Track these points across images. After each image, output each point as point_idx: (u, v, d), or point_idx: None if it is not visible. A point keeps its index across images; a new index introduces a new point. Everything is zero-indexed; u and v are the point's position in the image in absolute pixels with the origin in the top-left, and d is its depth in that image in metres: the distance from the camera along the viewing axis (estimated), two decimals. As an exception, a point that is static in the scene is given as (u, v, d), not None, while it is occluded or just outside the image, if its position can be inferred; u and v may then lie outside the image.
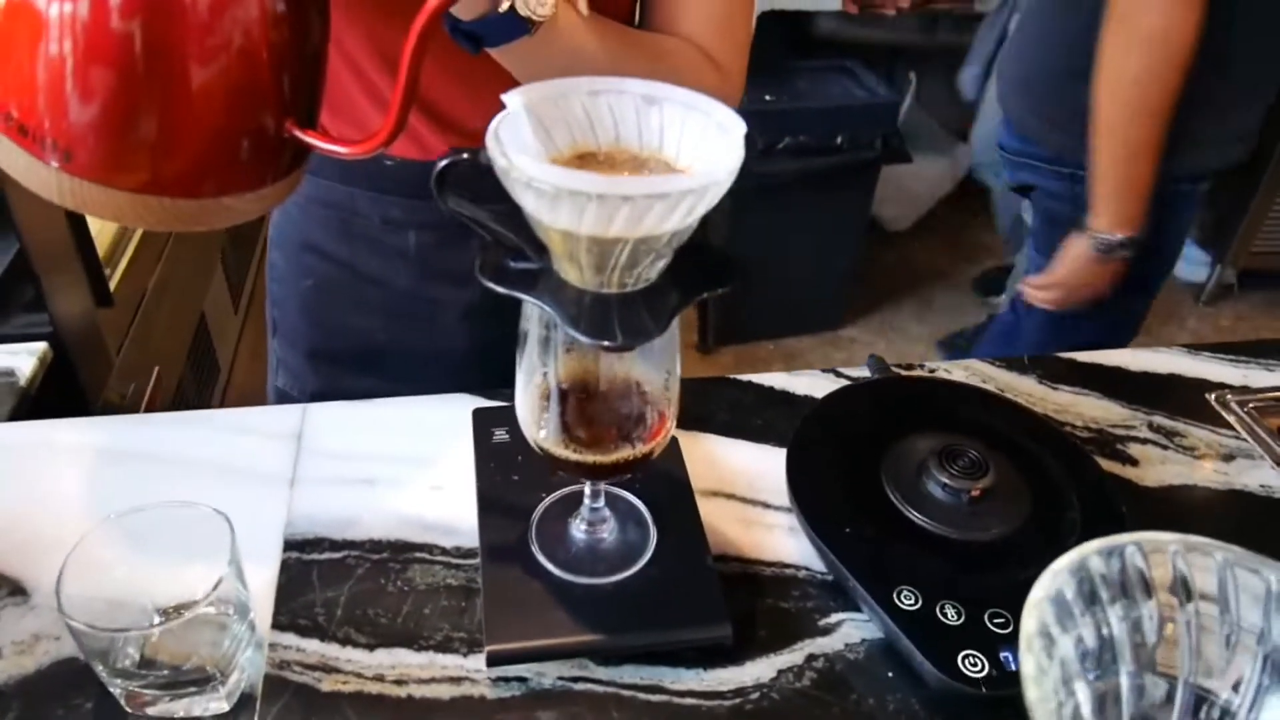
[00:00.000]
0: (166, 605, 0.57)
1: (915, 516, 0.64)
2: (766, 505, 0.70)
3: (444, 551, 0.65)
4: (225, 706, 0.55)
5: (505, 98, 0.46)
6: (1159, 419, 0.81)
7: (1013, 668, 0.56)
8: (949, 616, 0.58)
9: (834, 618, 0.63)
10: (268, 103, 0.52)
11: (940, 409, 0.75)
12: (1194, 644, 0.40)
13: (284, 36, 0.51)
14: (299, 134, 0.54)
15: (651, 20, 0.75)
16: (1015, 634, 0.58)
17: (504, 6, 0.55)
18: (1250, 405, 0.83)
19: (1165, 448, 0.78)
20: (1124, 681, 0.40)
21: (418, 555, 0.65)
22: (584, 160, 0.48)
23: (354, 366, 0.91)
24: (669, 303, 0.47)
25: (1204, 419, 0.82)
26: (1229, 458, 0.78)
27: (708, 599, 0.59)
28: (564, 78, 0.48)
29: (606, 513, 0.62)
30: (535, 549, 0.61)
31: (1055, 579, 0.36)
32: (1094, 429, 0.80)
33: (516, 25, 0.56)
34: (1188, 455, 0.78)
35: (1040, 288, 1.29)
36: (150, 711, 0.54)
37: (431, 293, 0.87)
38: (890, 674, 0.59)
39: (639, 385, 0.54)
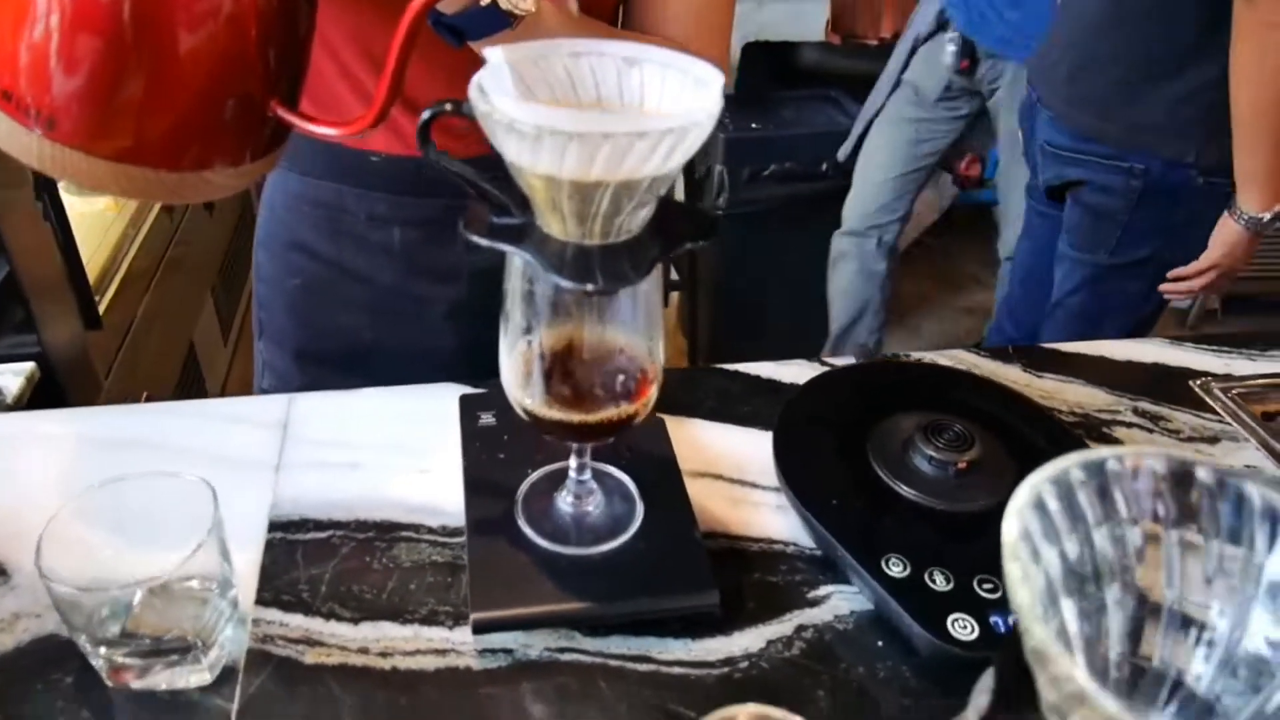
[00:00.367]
0: (148, 575, 0.56)
1: (903, 489, 0.64)
2: (754, 485, 0.70)
3: (430, 530, 0.65)
4: (208, 678, 0.54)
5: (487, 53, 0.46)
6: (1143, 404, 0.82)
7: (1002, 630, 0.56)
8: (937, 583, 0.58)
9: (822, 590, 0.62)
10: (253, 75, 0.52)
11: (926, 391, 0.75)
12: (1178, 563, 0.40)
13: (272, 7, 0.52)
14: (283, 112, 0.54)
15: (633, 21, 0.77)
16: (1004, 599, 0.57)
17: (486, 0, 0.56)
18: (1234, 391, 0.83)
19: (1150, 430, 0.79)
20: (1110, 600, 0.40)
21: (403, 535, 0.64)
22: (566, 118, 0.49)
23: (341, 366, 0.91)
24: (650, 253, 0.48)
25: (1188, 404, 0.82)
26: (1214, 440, 0.78)
27: (694, 568, 0.59)
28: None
29: (593, 485, 0.62)
30: (521, 522, 0.61)
31: (1035, 488, 0.36)
32: (1079, 414, 0.80)
33: (498, 19, 0.58)
34: (1173, 438, 0.78)
35: (1193, 275, 1.36)
36: (132, 684, 0.54)
37: (417, 289, 0.87)
38: (880, 643, 0.59)
39: (623, 348, 0.54)
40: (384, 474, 0.69)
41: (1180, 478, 0.37)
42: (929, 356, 0.85)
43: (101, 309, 1.52)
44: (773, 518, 0.67)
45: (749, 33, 2.27)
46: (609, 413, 0.53)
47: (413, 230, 0.84)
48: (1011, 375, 0.84)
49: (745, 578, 0.63)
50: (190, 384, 1.86)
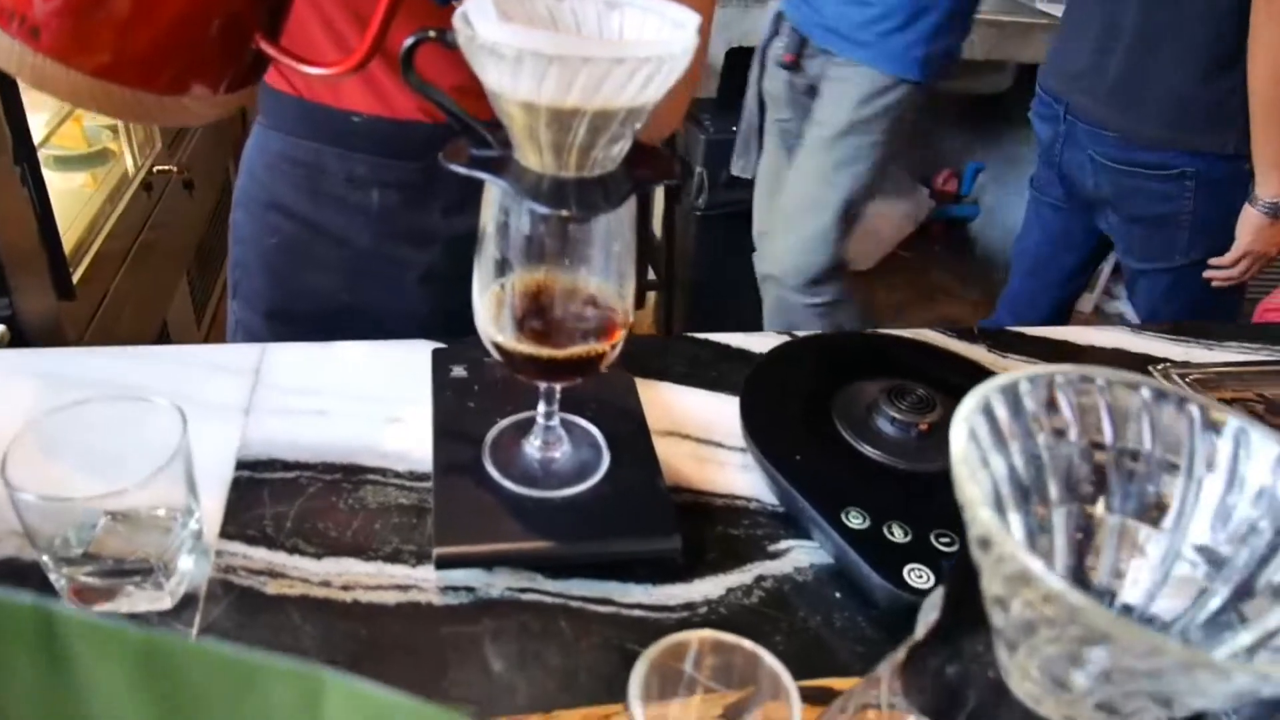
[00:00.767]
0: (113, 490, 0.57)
1: (866, 449, 0.65)
2: (720, 445, 0.71)
3: (397, 475, 0.65)
4: (169, 603, 0.54)
5: (471, -16, 0.47)
6: (1104, 387, 0.83)
7: (957, 580, 0.57)
8: (896, 535, 0.59)
9: (783, 544, 0.63)
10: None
11: (891, 360, 0.76)
12: (1120, 478, 0.41)
13: None
14: (265, 45, 0.55)
15: None
16: (960, 550, 0.59)
17: None
18: (1192, 377, 0.85)
19: (1109, 411, 0.80)
20: (1054, 516, 0.41)
21: (370, 478, 0.65)
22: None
23: (314, 327, 0.91)
24: (623, 187, 0.49)
25: (1147, 389, 0.84)
26: (1171, 422, 0.80)
27: (658, 513, 0.60)
28: None
29: (561, 433, 0.63)
30: (489, 465, 0.61)
31: (984, 395, 0.37)
32: (1041, 393, 0.81)
33: None
34: (1131, 419, 0.80)
35: (1229, 264, 1.41)
36: (92, 608, 0.54)
37: (393, 252, 0.87)
38: (838, 594, 0.60)
39: (594, 291, 0.55)
40: (354, 421, 0.69)
41: (1123, 391, 0.38)
42: (893, 333, 0.87)
43: (75, 279, 1.52)
44: (737, 475, 0.68)
45: (733, 38, 2.30)
46: (578, 349, 0.54)
47: (391, 193, 0.85)
48: (976, 355, 0.86)
49: (708, 530, 0.64)
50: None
